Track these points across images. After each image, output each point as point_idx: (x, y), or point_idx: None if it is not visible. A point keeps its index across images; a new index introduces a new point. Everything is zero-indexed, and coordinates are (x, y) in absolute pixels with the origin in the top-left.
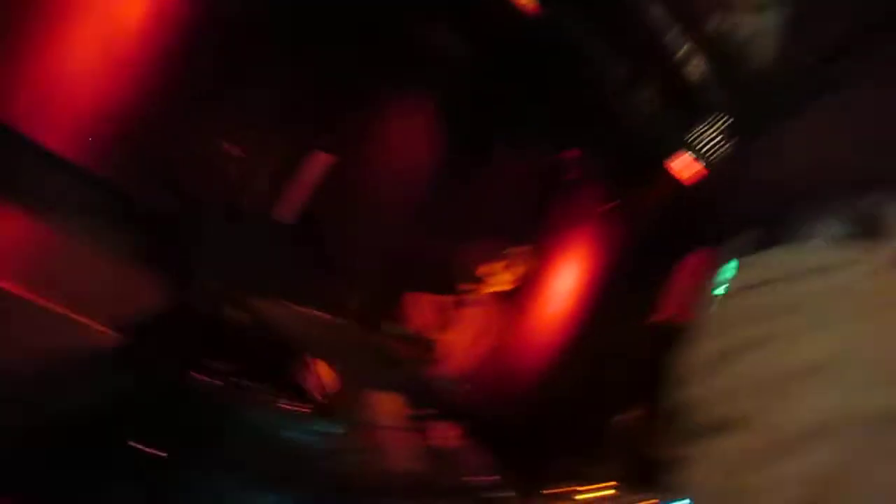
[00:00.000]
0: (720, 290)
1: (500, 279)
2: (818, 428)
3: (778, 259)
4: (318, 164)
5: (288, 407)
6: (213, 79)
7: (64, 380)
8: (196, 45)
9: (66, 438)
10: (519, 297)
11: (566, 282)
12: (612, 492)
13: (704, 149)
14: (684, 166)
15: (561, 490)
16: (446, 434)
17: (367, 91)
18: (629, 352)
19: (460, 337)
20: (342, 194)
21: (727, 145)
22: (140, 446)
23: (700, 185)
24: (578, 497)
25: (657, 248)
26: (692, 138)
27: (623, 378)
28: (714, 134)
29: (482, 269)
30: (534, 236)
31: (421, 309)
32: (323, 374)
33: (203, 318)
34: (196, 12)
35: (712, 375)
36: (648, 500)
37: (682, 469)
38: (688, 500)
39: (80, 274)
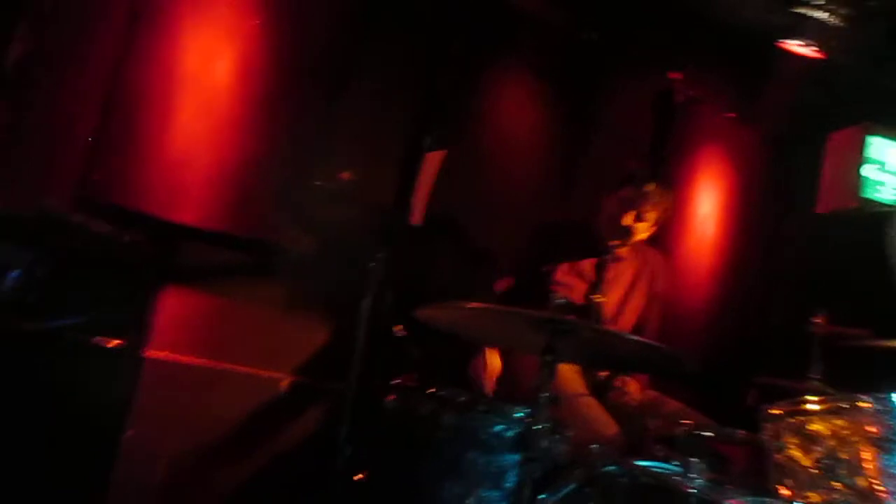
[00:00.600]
0: None
1: (642, 225)
2: None
3: None
4: (437, 161)
5: (479, 403)
6: (314, 109)
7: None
8: (290, 82)
9: None
10: (667, 237)
11: (708, 207)
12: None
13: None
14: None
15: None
16: (632, 390)
17: (470, 76)
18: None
19: (618, 294)
20: (468, 186)
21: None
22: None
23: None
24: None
25: (794, 142)
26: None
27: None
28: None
29: (624, 219)
30: (662, 170)
31: (575, 276)
32: (493, 363)
33: (385, 336)
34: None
35: None
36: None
37: None
38: None
39: (252, 332)
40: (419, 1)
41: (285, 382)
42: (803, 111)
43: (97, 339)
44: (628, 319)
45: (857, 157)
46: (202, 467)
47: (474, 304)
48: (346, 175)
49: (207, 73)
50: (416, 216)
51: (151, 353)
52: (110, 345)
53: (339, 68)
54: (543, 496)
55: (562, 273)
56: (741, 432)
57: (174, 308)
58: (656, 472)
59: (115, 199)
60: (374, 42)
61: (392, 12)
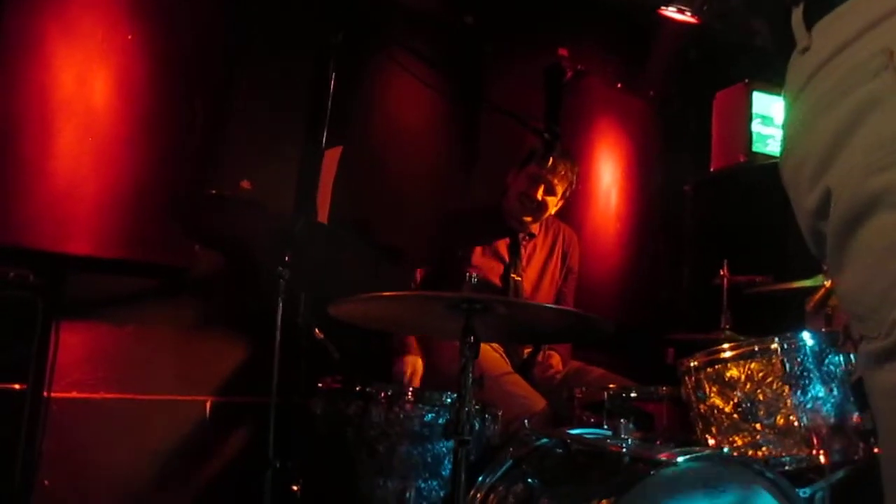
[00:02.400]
0: None
1: (552, 199)
2: None
3: None
4: (334, 158)
5: (405, 394)
6: (202, 119)
7: None
8: (172, 94)
9: None
10: (573, 210)
11: (609, 177)
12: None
13: None
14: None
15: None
16: (554, 363)
17: (358, 70)
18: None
19: (534, 271)
20: (370, 180)
21: None
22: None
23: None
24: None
25: (683, 104)
26: None
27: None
28: None
29: (535, 194)
30: (560, 145)
31: (490, 258)
32: (416, 364)
33: (303, 341)
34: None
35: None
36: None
37: None
38: None
39: (165, 358)
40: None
41: (207, 404)
42: (688, 74)
43: None
44: (547, 295)
45: (744, 113)
46: None
47: (387, 293)
48: (245, 184)
49: (84, 94)
50: (321, 215)
51: (57, 393)
52: (9, 387)
53: (224, 75)
54: (482, 478)
55: (477, 256)
56: (663, 389)
57: (78, 343)
58: (588, 438)
59: None
60: (257, 45)
61: (273, 14)
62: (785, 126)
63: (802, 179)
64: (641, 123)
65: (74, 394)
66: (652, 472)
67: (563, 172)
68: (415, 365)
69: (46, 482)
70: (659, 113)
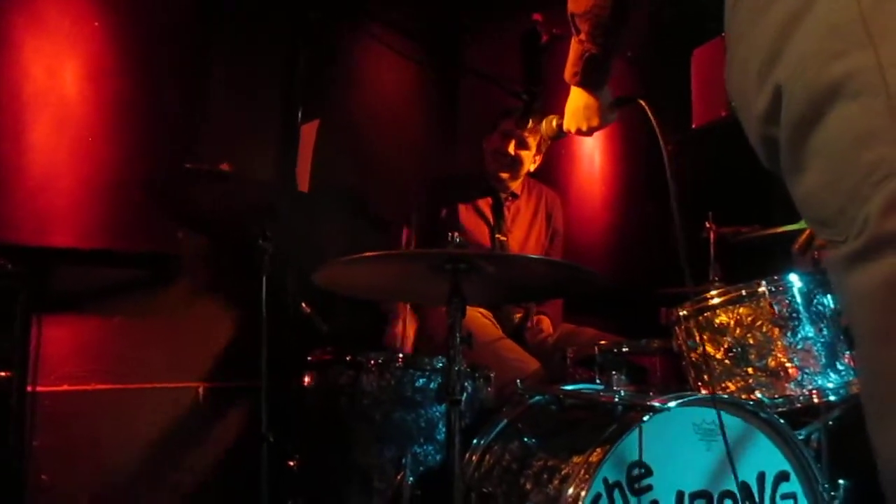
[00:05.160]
0: None
1: (527, 153)
2: None
3: None
4: (312, 131)
5: (396, 360)
6: (178, 101)
7: None
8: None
9: None
10: (558, 174)
11: (592, 138)
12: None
13: None
14: None
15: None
16: (545, 327)
17: (334, 42)
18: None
19: (520, 232)
20: (352, 152)
21: None
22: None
23: None
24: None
25: (660, 63)
26: None
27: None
28: None
29: (507, 149)
30: (538, 105)
31: (476, 217)
32: (408, 329)
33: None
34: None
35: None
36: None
37: None
38: None
39: (154, 346)
40: None
41: (200, 389)
42: (665, 33)
43: None
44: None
45: (723, 68)
46: (127, 497)
47: (369, 253)
48: (225, 166)
49: (55, 86)
50: (301, 186)
51: (48, 387)
52: None
53: (198, 55)
54: (476, 440)
55: (462, 219)
56: (655, 342)
57: (66, 337)
58: (581, 392)
59: None
60: (231, 23)
61: None
62: (727, 29)
63: (749, 82)
64: (621, 84)
65: (66, 387)
66: (645, 419)
67: (533, 126)
68: (406, 330)
69: (44, 477)
70: (638, 73)
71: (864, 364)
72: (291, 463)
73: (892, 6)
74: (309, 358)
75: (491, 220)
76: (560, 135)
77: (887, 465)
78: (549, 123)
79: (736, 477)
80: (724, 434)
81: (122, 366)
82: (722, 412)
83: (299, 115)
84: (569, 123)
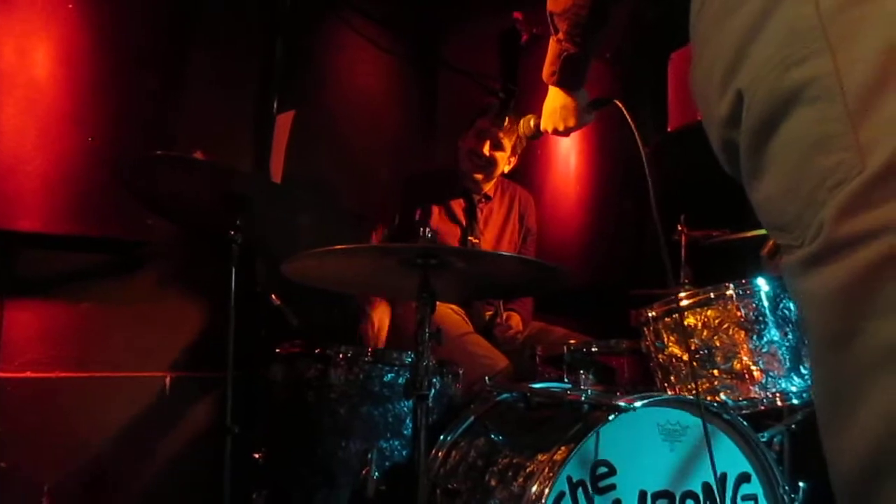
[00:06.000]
0: None
1: (501, 154)
2: None
3: None
4: (287, 122)
5: (364, 355)
6: (151, 87)
7: None
8: (118, 64)
9: None
10: (533, 174)
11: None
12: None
13: None
14: None
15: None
16: (515, 324)
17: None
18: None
19: (492, 233)
20: (327, 144)
21: None
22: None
23: None
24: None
25: (639, 66)
26: None
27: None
28: None
29: (482, 150)
30: (514, 102)
31: (448, 221)
32: (381, 320)
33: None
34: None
35: None
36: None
37: None
38: None
39: (122, 334)
40: None
41: (167, 379)
42: (644, 35)
43: None
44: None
45: None
46: (90, 485)
47: (339, 247)
48: (199, 154)
49: (25, 66)
50: (274, 177)
51: (10, 374)
52: None
53: (172, 42)
54: (443, 436)
55: (434, 221)
56: (624, 342)
57: (30, 322)
58: (549, 391)
59: None
60: (207, 9)
61: None
62: (693, 33)
63: (712, 87)
64: (599, 85)
65: (29, 374)
66: (611, 418)
67: (509, 127)
68: (381, 320)
69: (3, 464)
70: (616, 75)
71: (817, 368)
72: (257, 455)
73: (851, 13)
74: (277, 350)
75: (463, 222)
76: (537, 134)
77: (838, 469)
78: (526, 123)
79: (715, 472)
80: (707, 435)
81: (87, 353)
82: (686, 413)
83: (275, 105)
84: (546, 123)
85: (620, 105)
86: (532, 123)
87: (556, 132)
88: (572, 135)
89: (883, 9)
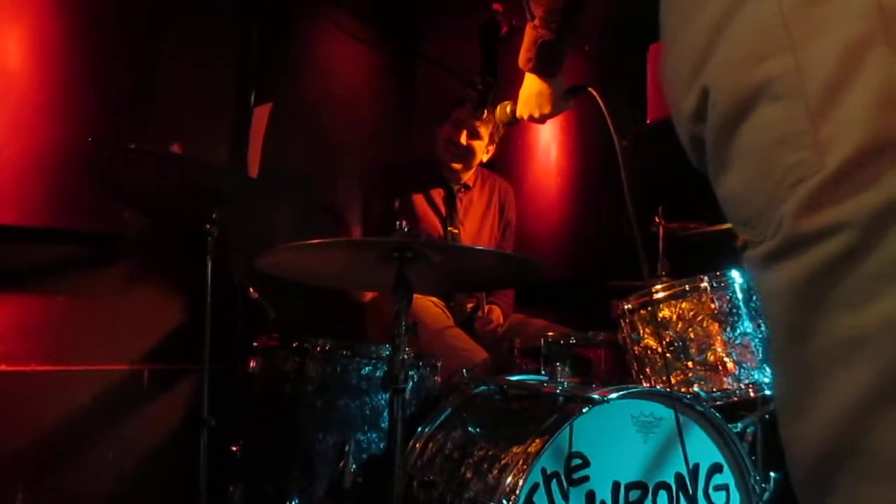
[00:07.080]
0: None
1: (479, 143)
2: None
3: None
4: (264, 115)
5: (342, 348)
6: (126, 79)
7: None
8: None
9: None
10: (513, 165)
11: (548, 131)
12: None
13: None
14: None
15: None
16: (495, 317)
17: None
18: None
19: (473, 224)
20: (305, 136)
21: None
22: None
23: None
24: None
25: (616, 58)
26: None
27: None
28: None
29: (459, 139)
30: (493, 94)
31: (428, 210)
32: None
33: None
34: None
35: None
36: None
37: None
38: None
39: (97, 327)
40: None
41: (145, 373)
42: (622, 28)
43: None
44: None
45: None
46: (66, 478)
47: (315, 241)
48: (175, 147)
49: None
50: (251, 170)
51: None
52: None
53: (147, 34)
54: (420, 428)
55: (416, 208)
56: (601, 334)
57: (4, 315)
58: (525, 383)
59: None
60: (181, 3)
61: None
62: (662, 28)
63: (679, 82)
64: (578, 78)
65: (3, 367)
66: (585, 410)
67: (486, 116)
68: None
69: None
70: (595, 67)
71: (777, 359)
72: (234, 448)
73: (813, 10)
74: (255, 343)
75: (443, 212)
76: (513, 121)
77: (795, 458)
78: (502, 109)
79: (687, 463)
80: (679, 427)
81: (62, 346)
82: (660, 405)
83: (252, 97)
84: (522, 110)
85: (595, 93)
86: (508, 110)
87: (531, 119)
88: (553, 126)
89: (844, 7)
